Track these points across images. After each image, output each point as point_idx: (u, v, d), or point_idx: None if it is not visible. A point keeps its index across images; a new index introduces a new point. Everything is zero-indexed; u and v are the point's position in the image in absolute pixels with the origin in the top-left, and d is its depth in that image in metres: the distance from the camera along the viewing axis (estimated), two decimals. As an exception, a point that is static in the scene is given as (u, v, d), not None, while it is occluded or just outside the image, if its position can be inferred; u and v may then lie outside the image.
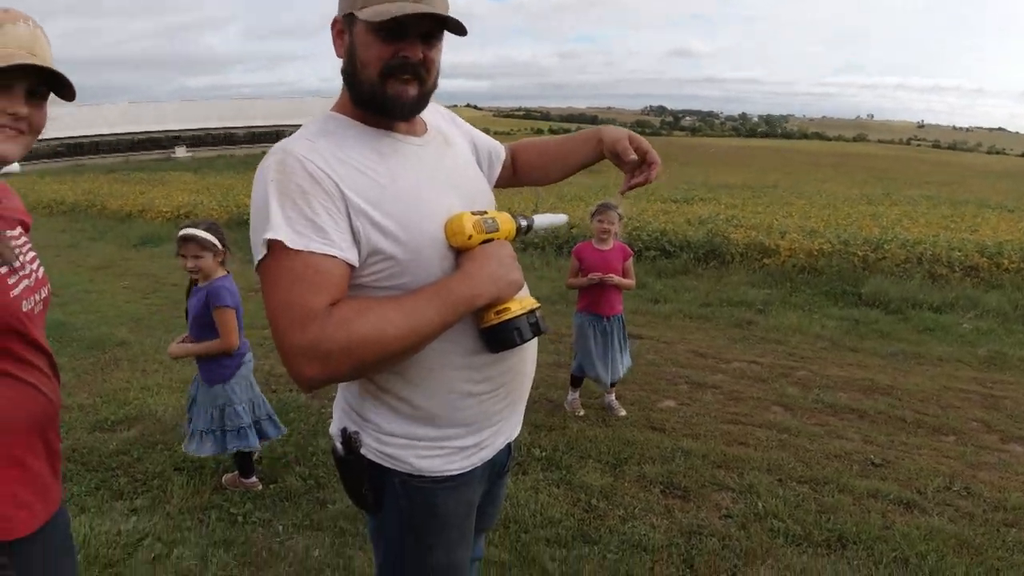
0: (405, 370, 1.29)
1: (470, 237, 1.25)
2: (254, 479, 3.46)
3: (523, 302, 1.31)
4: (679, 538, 2.94)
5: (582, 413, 4.33)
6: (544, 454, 3.71)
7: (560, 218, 1.56)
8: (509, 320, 1.26)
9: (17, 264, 1.32)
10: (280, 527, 3.08)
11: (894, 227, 10.60)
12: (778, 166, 47.94)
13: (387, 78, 1.22)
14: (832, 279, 8.05)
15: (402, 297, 1.19)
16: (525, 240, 11.21)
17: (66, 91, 1.31)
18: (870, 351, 5.92)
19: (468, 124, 1.62)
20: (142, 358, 5.57)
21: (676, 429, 4.08)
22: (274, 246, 1.14)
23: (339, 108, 1.32)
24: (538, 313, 1.32)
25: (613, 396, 4.41)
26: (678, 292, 7.96)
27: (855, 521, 3.07)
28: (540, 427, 4.11)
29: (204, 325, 3.18)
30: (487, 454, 1.43)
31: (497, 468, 1.54)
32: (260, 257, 1.17)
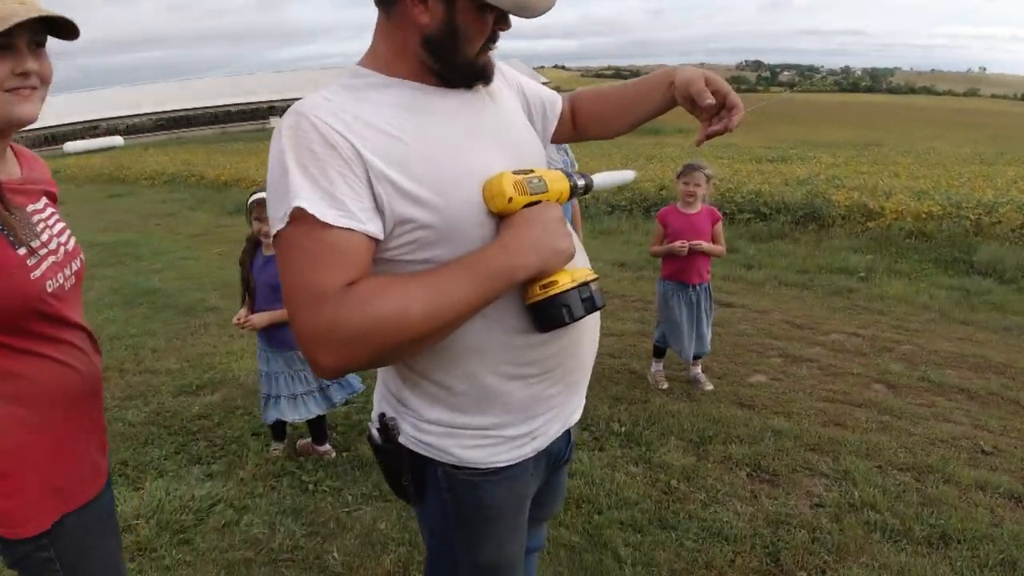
0: (441, 352, 1.15)
1: (510, 200, 1.08)
2: (327, 447, 3.44)
3: (575, 273, 1.13)
4: (764, 528, 2.71)
5: (665, 386, 4.11)
6: (623, 429, 3.53)
7: (625, 175, 1.37)
8: (556, 295, 1.10)
9: (36, 244, 1.25)
10: (349, 497, 3.03)
11: (1009, 189, 9.68)
12: (883, 123, 45.25)
13: (481, 51, 1.15)
14: (941, 245, 7.47)
15: (429, 273, 1.04)
16: (613, 203, 10.88)
17: (67, 32, 1.22)
18: (982, 324, 5.42)
19: (518, 73, 1.44)
20: (230, 323, 5.68)
21: (766, 406, 3.80)
22: (286, 220, 1.01)
23: (368, 62, 1.17)
24: (593, 286, 1.15)
25: (699, 369, 4.17)
26: (773, 257, 7.55)
27: (960, 516, 2.75)
28: (620, 400, 3.92)
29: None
30: (540, 444, 1.28)
31: (554, 458, 1.39)
32: (274, 232, 1.04)
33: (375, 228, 1.04)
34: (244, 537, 2.77)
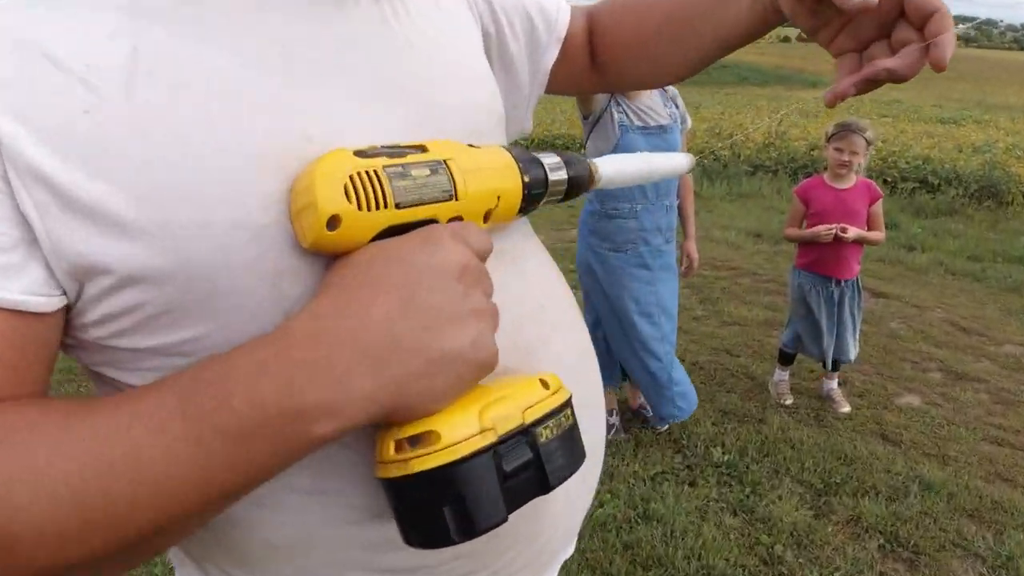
0: (224, 541, 0.54)
1: (333, 220, 0.42)
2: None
3: (493, 407, 0.46)
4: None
5: (789, 401, 3.31)
6: (726, 458, 2.80)
7: (674, 162, 0.68)
8: (426, 473, 0.43)
9: None
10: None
11: None
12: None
13: None
14: None
15: (100, 407, 0.41)
16: (755, 161, 9.65)
17: None
18: None
19: None
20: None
21: (916, 444, 2.95)
22: None
23: None
24: (544, 432, 0.47)
25: (835, 383, 3.33)
26: (940, 238, 6.42)
27: None
28: (729, 415, 3.17)
29: None
30: None
31: None
32: None
33: (20, 289, 0.42)
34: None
